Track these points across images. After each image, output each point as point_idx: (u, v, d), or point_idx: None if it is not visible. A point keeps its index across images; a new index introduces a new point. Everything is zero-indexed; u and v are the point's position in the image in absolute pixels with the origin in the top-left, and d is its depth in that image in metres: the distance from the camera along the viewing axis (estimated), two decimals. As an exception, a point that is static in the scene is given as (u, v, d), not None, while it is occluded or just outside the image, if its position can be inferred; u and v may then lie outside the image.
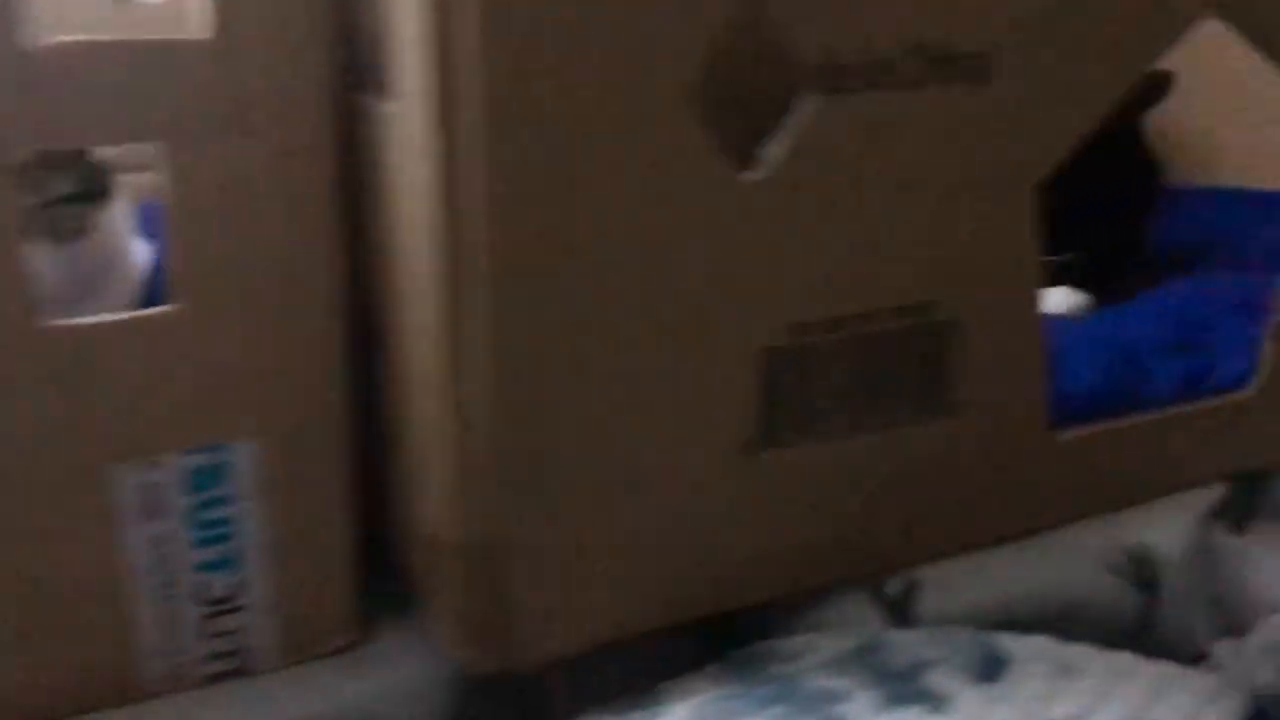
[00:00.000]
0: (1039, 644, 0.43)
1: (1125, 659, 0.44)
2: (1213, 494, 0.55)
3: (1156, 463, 0.53)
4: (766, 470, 0.43)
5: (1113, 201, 0.64)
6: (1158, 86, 0.68)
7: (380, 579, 0.46)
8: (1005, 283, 0.45)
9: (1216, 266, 0.62)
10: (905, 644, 0.43)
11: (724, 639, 0.47)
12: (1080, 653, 0.43)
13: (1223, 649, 0.52)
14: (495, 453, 0.38)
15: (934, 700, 0.41)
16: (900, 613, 0.47)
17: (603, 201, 0.37)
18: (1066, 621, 0.50)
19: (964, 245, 0.43)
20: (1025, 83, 0.42)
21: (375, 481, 0.45)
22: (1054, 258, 0.63)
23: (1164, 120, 0.75)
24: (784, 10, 0.37)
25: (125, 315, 0.40)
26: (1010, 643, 0.43)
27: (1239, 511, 0.55)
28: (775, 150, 0.39)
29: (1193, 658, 0.52)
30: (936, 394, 0.45)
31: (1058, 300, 0.63)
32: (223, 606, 0.43)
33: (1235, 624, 0.53)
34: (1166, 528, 0.52)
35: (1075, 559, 0.50)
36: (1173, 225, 0.70)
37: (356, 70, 0.40)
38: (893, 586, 0.48)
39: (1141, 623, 0.50)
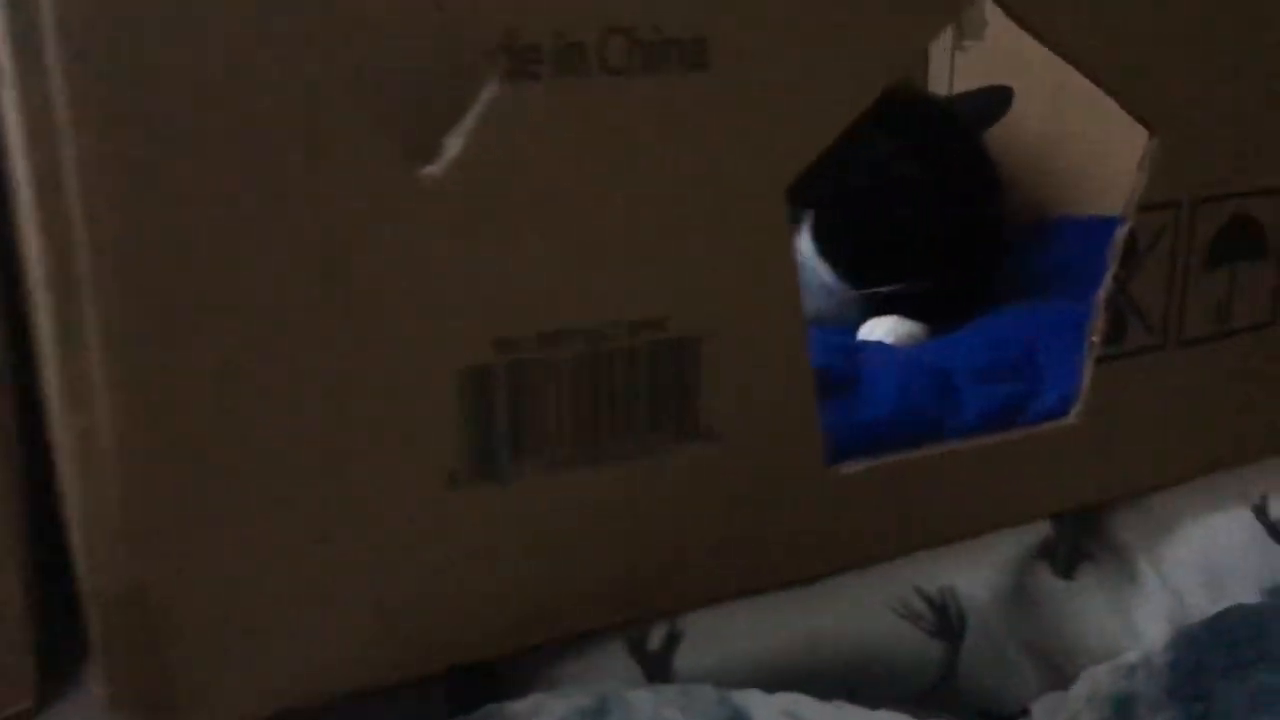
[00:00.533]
0: (788, 702, 0.37)
1: (897, 718, 0.39)
2: (1035, 533, 0.50)
3: (965, 499, 0.48)
4: (482, 506, 0.38)
5: (952, 227, 0.60)
6: (998, 102, 0.65)
7: (64, 636, 0.41)
8: (754, 297, 0.40)
9: (1059, 294, 0.58)
10: (642, 704, 0.38)
11: (463, 700, 0.42)
12: (836, 713, 0.38)
13: (1042, 703, 0.47)
14: (129, 493, 0.33)
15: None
16: (660, 666, 0.42)
17: (248, 200, 0.33)
18: (859, 675, 0.45)
19: (700, 254, 0.39)
20: (755, 71, 0.38)
21: (55, 523, 0.40)
22: (884, 287, 0.60)
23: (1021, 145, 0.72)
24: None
25: None
26: (757, 702, 0.38)
27: (1066, 553, 0.51)
28: (456, 143, 0.35)
29: (1008, 713, 0.47)
30: (682, 419, 0.41)
31: (887, 328, 0.59)
32: None
33: (1056, 675, 0.48)
34: (974, 570, 0.47)
35: (865, 605, 0.45)
36: (1026, 253, 0.66)
37: None
38: (654, 637, 0.43)
39: (944, 675, 0.45)
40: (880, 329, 0.59)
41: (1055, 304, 0.55)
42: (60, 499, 0.38)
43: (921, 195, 0.57)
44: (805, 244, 0.59)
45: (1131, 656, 0.46)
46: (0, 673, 0.39)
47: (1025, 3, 0.43)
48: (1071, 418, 0.49)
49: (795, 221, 0.60)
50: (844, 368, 0.50)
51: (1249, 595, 0.49)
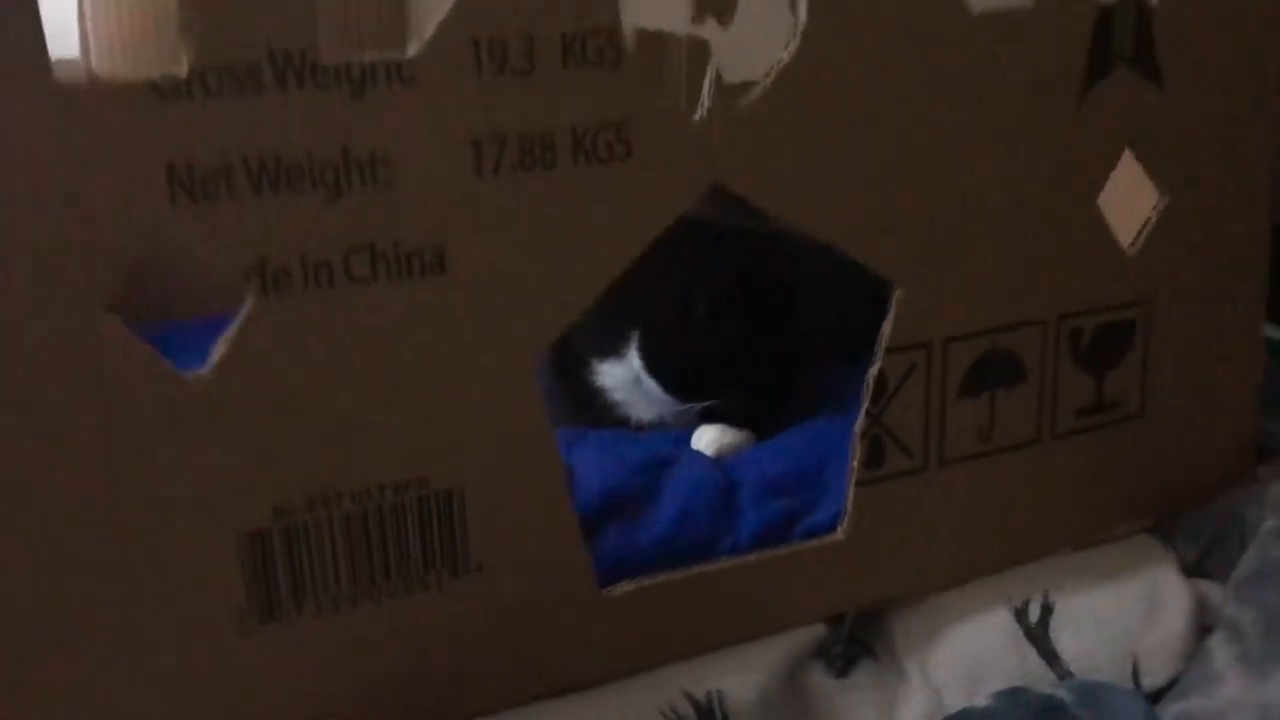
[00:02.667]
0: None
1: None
2: (809, 634, 0.56)
3: (734, 610, 0.54)
4: (269, 647, 0.45)
5: (755, 348, 0.66)
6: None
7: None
8: (508, 452, 0.47)
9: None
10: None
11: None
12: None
13: (804, 794, 0.53)
14: None
15: None
16: (444, 771, 0.49)
17: (42, 412, 0.40)
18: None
19: (455, 420, 0.46)
20: (489, 271, 0.44)
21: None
22: (702, 401, 0.66)
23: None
24: (202, 226, 0.40)
25: None
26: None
27: (841, 652, 0.56)
28: (220, 351, 0.42)
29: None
30: (450, 559, 0.47)
31: (709, 439, 0.65)
32: None
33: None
34: (743, 674, 0.53)
35: (634, 710, 0.51)
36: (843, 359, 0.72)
37: None
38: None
39: (706, 773, 0.51)
40: (704, 439, 0.65)
41: (852, 418, 0.61)
42: None
43: (721, 324, 0.63)
44: (634, 359, 0.65)
45: (884, 751, 0.52)
46: None
47: (766, 191, 0.49)
48: (838, 533, 0.55)
49: (625, 337, 0.66)
50: (636, 489, 0.56)
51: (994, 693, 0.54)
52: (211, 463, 0.43)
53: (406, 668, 0.48)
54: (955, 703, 0.54)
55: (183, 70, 0.39)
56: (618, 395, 0.68)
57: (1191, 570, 0.59)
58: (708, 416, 0.68)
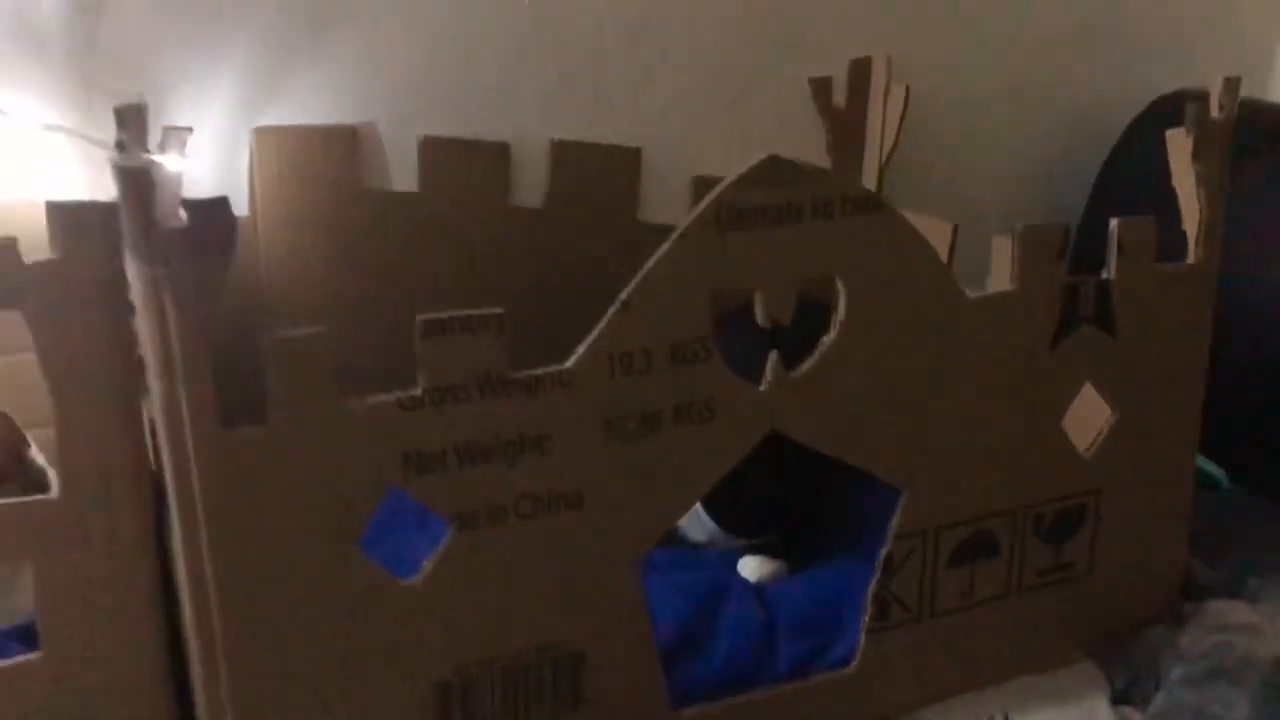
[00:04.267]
0: None
1: None
2: (828, 742, 0.75)
3: (774, 722, 0.72)
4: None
5: (791, 488, 0.83)
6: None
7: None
8: (618, 621, 0.65)
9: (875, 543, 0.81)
10: None
11: None
12: None
13: None
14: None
15: None
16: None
17: (313, 605, 0.58)
18: None
19: (581, 604, 0.64)
20: (613, 502, 0.62)
21: None
22: (747, 539, 0.84)
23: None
24: (422, 492, 0.58)
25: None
26: None
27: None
28: (428, 565, 0.59)
29: None
30: (572, 698, 0.65)
31: (752, 569, 0.83)
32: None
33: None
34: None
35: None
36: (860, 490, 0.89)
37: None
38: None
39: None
40: (748, 569, 0.84)
41: (862, 565, 0.78)
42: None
43: (768, 484, 0.80)
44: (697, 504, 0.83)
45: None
46: None
47: (810, 432, 0.66)
48: (851, 667, 0.73)
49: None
50: (698, 628, 0.74)
51: None
52: (419, 636, 0.61)
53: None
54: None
55: (419, 391, 0.56)
56: (680, 522, 0.86)
57: (1118, 698, 0.77)
58: (750, 548, 0.86)
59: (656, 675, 0.68)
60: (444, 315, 0.57)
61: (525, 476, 0.60)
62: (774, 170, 0.62)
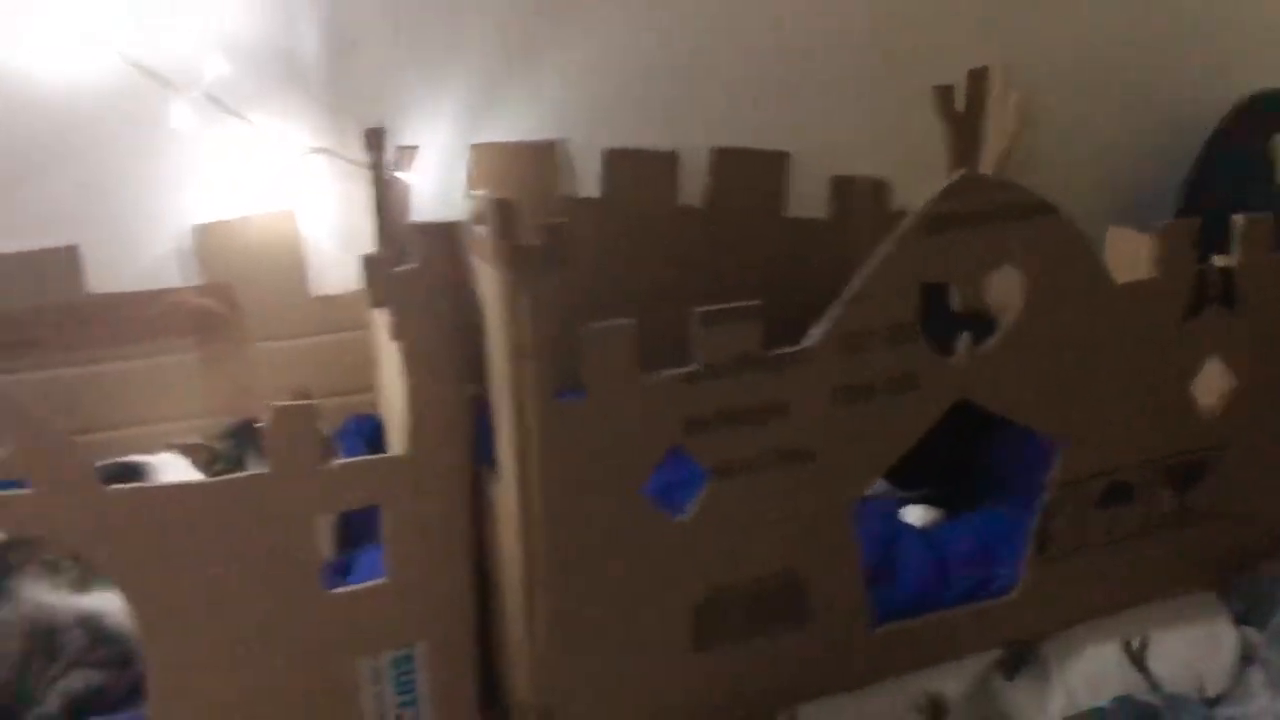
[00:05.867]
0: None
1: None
2: (993, 654, 0.89)
3: (950, 639, 0.87)
4: (703, 660, 0.79)
5: (951, 444, 0.97)
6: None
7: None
8: (835, 553, 0.80)
9: (1021, 492, 0.95)
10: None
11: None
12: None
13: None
14: (551, 658, 0.75)
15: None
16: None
17: (610, 535, 0.73)
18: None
19: (808, 541, 0.79)
20: (836, 455, 0.77)
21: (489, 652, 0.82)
22: (911, 492, 0.99)
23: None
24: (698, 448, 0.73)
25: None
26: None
27: (1010, 665, 0.89)
28: (693, 505, 0.75)
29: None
30: (797, 615, 0.80)
31: (916, 516, 0.98)
32: (408, 729, 0.80)
33: (999, 740, 0.87)
34: (955, 679, 0.87)
35: (892, 701, 0.84)
36: (1009, 450, 1.03)
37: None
38: (781, 719, 0.83)
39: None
40: (912, 516, 0.99)
41: (1013, 510, 0.93)
42: (494, 646, 0.80)
43: (933, 441, 0.95)
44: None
45: (1038, 729, 0.86)
46: None
47: (994, 398, 0.81)
48: (1013, 594, 0.88)
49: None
50: (883, 563, 0.89)
51: (1110, 698, 0.87)
52: (684, 564, 0.76)
53: (765, 675, 0.82)
54: (1084, 703, 0.87)
55: (697, 368, 0.71)
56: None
57: (1240, 620, 0.91)
58: (910, 498, 1.01)
59: (862, 598, 0.83)
60: (717, 308, 0.72)
61: (770, 435, 0.75)
62: (969, 183, 0.76)
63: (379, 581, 0.77)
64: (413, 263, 0.72)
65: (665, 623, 0.78)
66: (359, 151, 1.04)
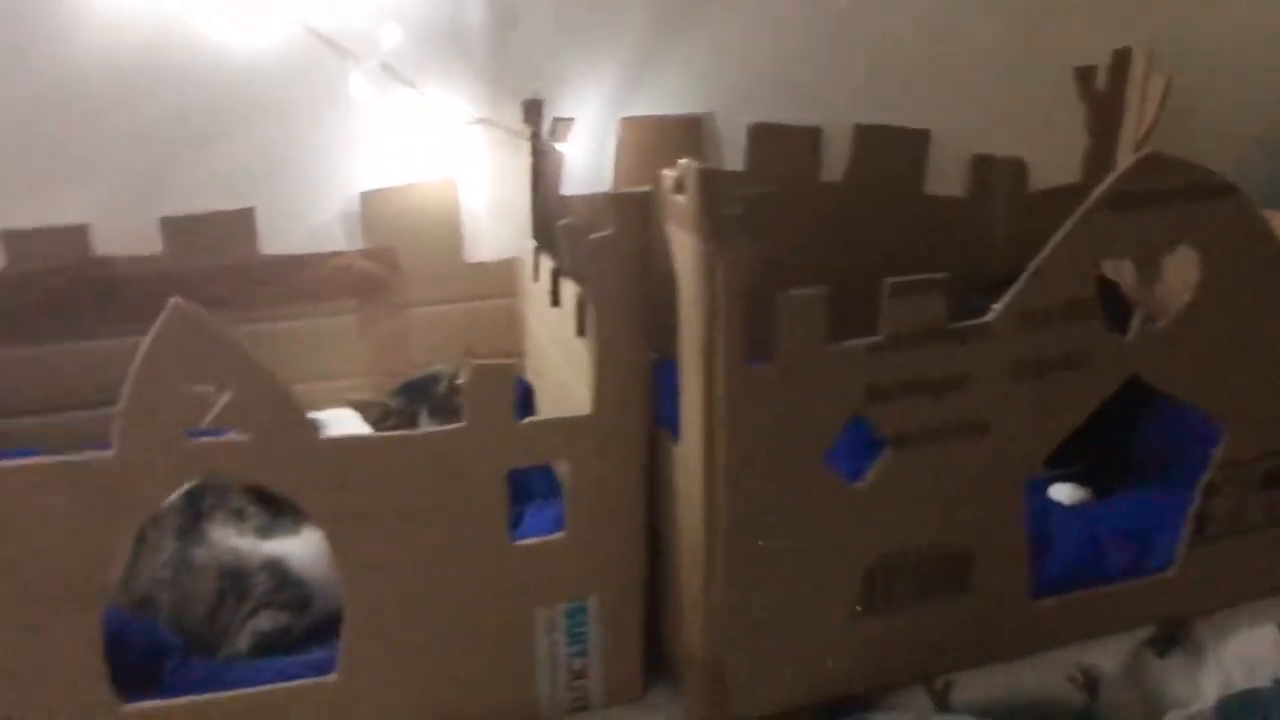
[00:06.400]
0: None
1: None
2: (1146, 631, 0.90)
3: (1106, 614, 0.88)
4: (868, 624, 0.81)
5: (1101, 424, 0.98)
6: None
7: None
8: (1002, 526, 0.81)
9: (1175, 473, 0.95)
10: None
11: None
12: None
13: (1138, 731, 0.87)
14: (726, 617, 0.77)
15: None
16: (942, 702, 0.84)
17: (789, 499, 0.75)
18: (1037, 712, 0.86)
19: (977, 513, 0.80)
20: (1010, 429, 0.78)
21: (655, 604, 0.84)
22: (1061, 469, 0.99)
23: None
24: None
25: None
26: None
27: (1163, 643, 0.90)
28: (871, 473, 0.76)
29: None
30: (960, 585, 0.82)
31: (1066, 493, 0.99)
32: (579, 675, 0.83)
33: (1155, 717, 0.87)
34: (1109, 653, 0.88)
35: (1048, 673, 0.86)
36: (1161, 431, 1.03)
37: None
38: (938, 684, 0.85)
39: (1085, 714, 0.86)
40: (1061, 494, 1.00)
41: (1166, 490, 0.93)
42: (662, 600, 0.82)
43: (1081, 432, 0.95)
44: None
45: (1194, 707, 0.86)
46: (629, 678, 0.84)
47: (1164, 377, 0.82)
48: (1169, 572, 0.88)
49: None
50: (1041, 535, 0.90)
51: (1267, 680, 0.87)
52: (857, 529, 0.79)
53: (926, 641, 0.84)
54: (1240, 684, 0.88)
55: (882, 338, 0.73)
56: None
57: (1398, 607, 0.91)
58: (1058, 476, 1.01)
59: (1024, 571, 0.84)
60: (906, 279, 0.73)
61: (948, 407, 0.77)
62: (1153, 162, 0.77)
63: (559, 535, 0.81)
64: (606, 230, 0.74)
65: (836, 585, 0.80)
66: (517, 122, 1.07)
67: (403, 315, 1.13)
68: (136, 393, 0.69)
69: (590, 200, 1.12)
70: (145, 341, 0.68)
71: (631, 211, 0.75)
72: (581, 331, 0.86)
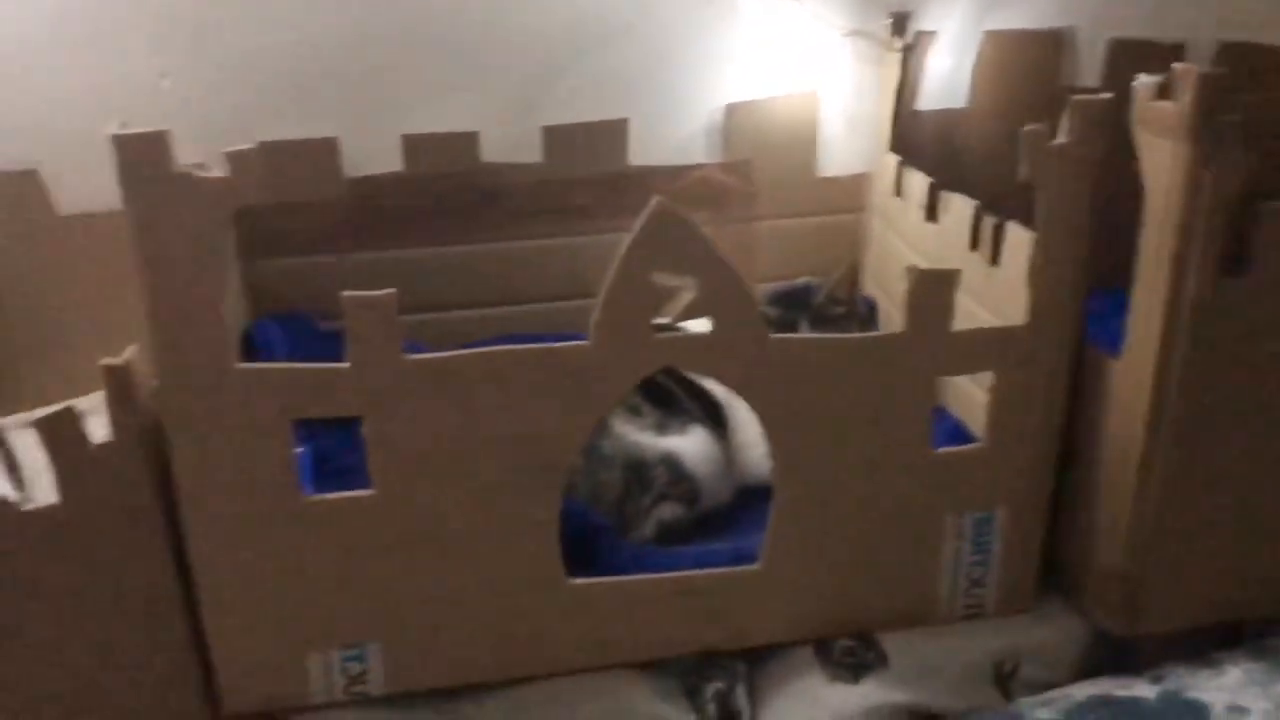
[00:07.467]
0: None
1: None
2: None
3: None
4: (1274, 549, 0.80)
5: None
6: None
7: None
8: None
9: None
10: None
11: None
12: None
13: None
14: (1153, 530, 0.77)
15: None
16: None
17: (1236, 415, 0.74)
18: None
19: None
20: None
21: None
22: None
23: None
24: None
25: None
26: None
27: None
28: None
29: None
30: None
31: None
32: (977, 583, 0.85)
33: None
34: None
35: None
36: None
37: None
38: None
39: None
40: None
41: None
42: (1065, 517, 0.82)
43: None
44: None
45: None
46: (1022, 589, 0.85)
47: None
48: None
49: None
50: None
51: None
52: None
53: None
54: None
55: None
56: None
57: None
58: None
59: None
60: None
61: None
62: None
63: (977, 445, 0.82)
64: (1069, 138, 0.74)
65: (1266, 507, 0.79)
66: (885, 35, 1.06)
67: (750, 228, 1.15)
68: (617, 286, 0.72)
69: (946, 115, 1.11)
70: (627, 238, 0.72)
71: (1095, 117, 0.74)
72: (975, 246, 0.87)
